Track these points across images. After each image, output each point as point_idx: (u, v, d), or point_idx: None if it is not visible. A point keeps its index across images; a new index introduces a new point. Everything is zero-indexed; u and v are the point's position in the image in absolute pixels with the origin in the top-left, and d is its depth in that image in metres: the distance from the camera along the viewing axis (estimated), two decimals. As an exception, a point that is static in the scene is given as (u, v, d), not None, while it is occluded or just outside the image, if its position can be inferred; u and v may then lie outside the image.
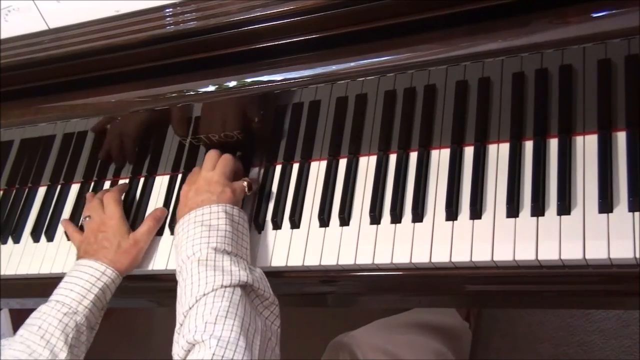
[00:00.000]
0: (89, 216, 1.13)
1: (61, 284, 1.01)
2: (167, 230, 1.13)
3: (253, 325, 0.85)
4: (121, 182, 1.22)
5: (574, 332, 1.57)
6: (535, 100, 0.91)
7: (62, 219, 1.22)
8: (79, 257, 1.08)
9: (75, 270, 1.03)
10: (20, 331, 0.96)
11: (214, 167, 1.04)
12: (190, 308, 0.87)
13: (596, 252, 0.84)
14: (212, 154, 1.07)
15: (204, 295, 0.86)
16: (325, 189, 1.05)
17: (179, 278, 0.93)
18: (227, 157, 1.06)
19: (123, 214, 1.12)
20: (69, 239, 1.20)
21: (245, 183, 1.05)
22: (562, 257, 0.86)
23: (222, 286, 0.87)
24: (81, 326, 0.98)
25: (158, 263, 1.10)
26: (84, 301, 0.99)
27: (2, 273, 1.22)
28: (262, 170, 1.12)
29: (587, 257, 0.84)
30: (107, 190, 1.18)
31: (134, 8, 0.99)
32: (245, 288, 0.89)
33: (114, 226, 1.09)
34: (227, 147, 1.10)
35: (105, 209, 1.12)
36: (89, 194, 1.19)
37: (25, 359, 0.92)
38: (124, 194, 1.19)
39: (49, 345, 0.94)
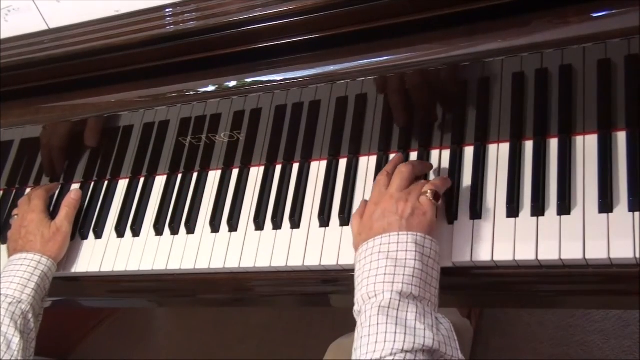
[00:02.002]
0: (16, 214, 1.17)
1: (2, 278, 1.04)
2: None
3: None
4: (121, 182, 1.22)
5: (574, 332, 1.57)
6: (535, 100, 0.91)
7: None
8: (9, 255, 1.12)
9: (10, 265, 1.06)
10: None
11: (406, 184, 0.92)
12: None
13: (596, 252, 0.84)
14: (404, 169, 0.93)
15: (380, 359, 0.76)
16: (325, 189, 1.05)
17: (357, 318, 0.83)
18: (412, 167, 0.94)
19: (45, 207, 1.15)
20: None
21: (429, 194, 0.90)
22: (562, 257, 0.86)
23: (402, 350, 0.76)
24: (27, 313, 1.01)
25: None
26: (26, 290, 1.02)
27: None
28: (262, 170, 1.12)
29: (587, 257, 0.84)
30: (36, 188, 1.22)
31: (134, 8, 0.99)
32: (429, 353, 0.78)
33: (35, 219, 1.12)
34: (228, 147, 1.10)
35: (29, 205, 1.15)
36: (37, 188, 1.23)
37: None
38: (56, 193, 1.24)
39: (1, 332, 0.96)
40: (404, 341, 0.76)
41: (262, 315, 1.79)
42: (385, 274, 0.82)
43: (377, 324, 0.78)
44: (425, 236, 0.86)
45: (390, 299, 0.80)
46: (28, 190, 1.30)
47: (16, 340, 0.96)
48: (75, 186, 1.26)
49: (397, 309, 0.79)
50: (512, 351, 1.59)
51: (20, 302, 1.01)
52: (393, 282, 0.81)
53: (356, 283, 0.86)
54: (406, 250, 0.84)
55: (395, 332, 0.77)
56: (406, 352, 0.76)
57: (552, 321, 1.59)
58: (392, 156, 1.03)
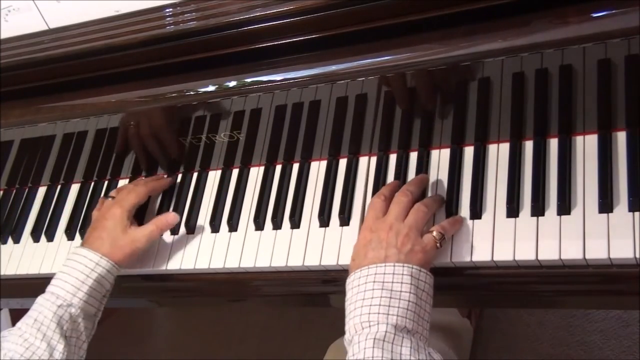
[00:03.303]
0: (113, 196, 1.11)
1: (57, 274, 1.01)
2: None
3: None
4: (121, 182, 1.22)
5: (574, 332, 1.57)
6: (535, 100, 0.91)
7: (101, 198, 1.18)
8: (84, 238, 1.07)
9: (71, 259, 1.02)
10: (19, 323, 0.97)
11: (404, 215, 0.90)
12: None
13: (596, 252, 0.84)
14: (403, 199, 0.92)
15: None
16: (325, 189, 1.05)
17: (348, 348, 0.82)
18: (422, 207, 0.91)
19: (132, 207, 1.08)
20: (68, 239, 1.20)
21: (435, 234, 0.89)
22: (562, 257, 0.86)
23: None
24: (77, 317, 0.98)
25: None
26: (79, 293, 0.98)
27: (2, 273, 1.22)
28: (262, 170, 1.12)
29: (587, 257, 0.84)
30: (147, 180, 1.15)
31: (134, 8, 0.99)
32: None
33: (117, 217, 1.06)
34: (228, 147, 1.10)
35: (125, 196, 1.09)
36: (141, 179, 1.18)
37: (23, 352, 0.93)
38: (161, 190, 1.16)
39: (46, 338, 0.94)
40: None
41: (262, 315, 1.79)
42: (380, 305, 0.81)
43: (372, 357, 0.77)
44: (421, 269, 0.85)
45: (386, 331, 0.79)
46: (28, 189, 1.31)
47: (60, 347, 0.94)
48: (75, 186, 1.26)
49: (392, 343, 0.79)
50: (512, 351, 1.59)
51: (70, 305, 0.97)
52: (388, 314, 0.81)
53: (348, 310, 0.85)
54: (401, 283, 0.83)
55: None
56: None
57: (552, 321, 1.59)
58: (392, 156, 1.04)
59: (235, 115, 1.06)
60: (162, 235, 1.10)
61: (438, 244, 0.88)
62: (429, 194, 0.98)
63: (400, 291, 0.82)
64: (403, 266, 0.84)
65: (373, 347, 0.78)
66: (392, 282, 0.83)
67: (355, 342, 0.80)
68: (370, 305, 0.82)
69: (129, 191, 1.10)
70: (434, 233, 0.89)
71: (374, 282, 0.84)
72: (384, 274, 0.84)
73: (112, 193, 1.13)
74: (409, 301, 0.82)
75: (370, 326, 0.80)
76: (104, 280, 1.01)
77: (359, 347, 0.79)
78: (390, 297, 0.82)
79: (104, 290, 1.02)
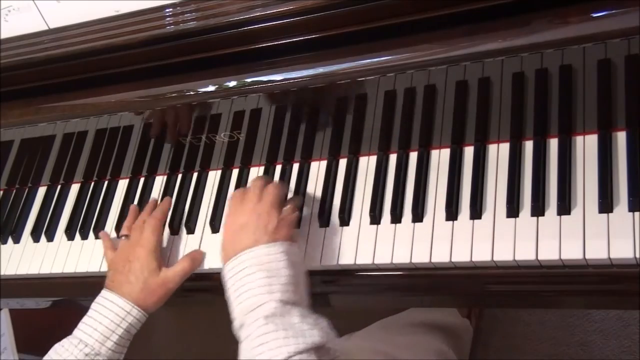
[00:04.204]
0: (126, 235, 1.07)
1: (86, 319, 0.98)
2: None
3: None
4: (121, 182, 1.22)
5: (574, 332, 1.57)
6: (535, 100, 0.91)
7: (101, 232, 1.16)
8: (107, 280, 1.03)
9: (101, 305, 0.98)
10: None
11: (261, 197, 0.95)
12: None
13: (596, 252, 0.84)
14: (258, 182, 0.98)
15: None
16: (325, 189, 1.05)
17: (240, 333, 0.85)
18: (275, 185, 0.97)
19: (158, 245, 1.04)
20: (68, 239, 1.20)
21: (290, 208, 0.96)
22: (562, 257, 0.86)
23: (296, 352, 0.79)
24: None
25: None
26: (107, 342, 0.96)
27: (2, 273, 1.22)
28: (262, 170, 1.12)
29: (587, 257, 0.84)
30: (153, 211, 1.10)
31: (134, 8, 0.99)
32: (317, 351, 0.81)
33: (143, 258, 1.01)
34: (228, 147, 1.10)
35: (142, 235, 1.04)
36: (133, 207, 1.14)
37: None
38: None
39: None
40: (297, 343, 0.79)
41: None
42: (262, 286, 0.85)
43: (266, 332, 0.81)
44: (291, 244, 0.91)
45: (274, 307, 0.83)
46: (28, 189, 1.31)
47: None
48: (75, 186, 1.26)
49: (282, 316, 0.82)
50: (512, 351, 1.59)
51: (98, 354, 0.94)
52: (271, 292, 0.84)
53: (232, 299, 0.87)
54: (277, 260, 0.87)
55: (286, 337, 0.80)
56: (300, 353, 0.79)
57: (552, 321, 1.59)
58: (392, 156, 1.04)
59: (235, 115, 1.06)
60: (193, 271, 1.05)
61: (296, 214, 0.96)
62: (432, 195, 0.98)
63: (278, 268, 0.86)
64: (275, 245, 0.89)
65: (266, 324, 0.81)
66: (269, 262, 0.87)
67: (246, 325, 0.83)
68: (253, 288, 0.85)
69: (142, 230, 1.05)
70: (289, 206, 0.96)
71: (251, 265, 0.87)
72: (259, 256, 0.88)
73: (123, 231, 1.09)
74: (287, 275, 0.86)
75: (257, 307, 0.83)
76: (132, 329, 0.98)
77: (250, 328, 0.82)
78: (270, 276, 0.85)
79: (131, 336, 0.99)
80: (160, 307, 1.02)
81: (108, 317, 0.97)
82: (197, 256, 1.05)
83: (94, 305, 0.99)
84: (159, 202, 1.15)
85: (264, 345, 0.80)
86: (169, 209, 1.13)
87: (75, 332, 0.97)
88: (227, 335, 0.89)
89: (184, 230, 1.12)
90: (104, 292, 1.00)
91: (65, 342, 0.96)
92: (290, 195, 1.06)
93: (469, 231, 0.92)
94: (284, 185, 1.02)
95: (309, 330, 0.81)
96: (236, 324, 0.86)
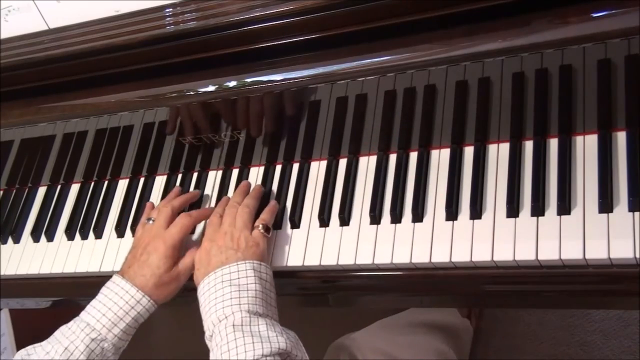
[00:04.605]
0: (152, 219, 1.06)
1: (95, 303, 0.97)
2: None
3: None
4: (121, 182, 1.22)
5: (574, 332, 1.57)
6: (535, 100, 0.91)
7: (148, 202, 1.14)
8: (124, 264, 1.02)
9: (112, 291, 0.97)
10: (47, 347, 0.94)
11: (234, 221, 1.00)
12: None
13: (596, 252, 0.84)
14: (231, 210, 1.02)
15: None
16: (325, 189, 1.05)
17: (210, 343, 0.90)
18: (244, 208, 1.02)
19: (176, 243, 1.01)
20: (68, 239, 1.20)
21: (261, 229, 0.99)
22: (562, 257, 0.86)
23: (262, 355, 0.84)
24: (107, 352, 0.95)
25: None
26: (115, 329, 0.95)
27: (2, 273, 1.22)
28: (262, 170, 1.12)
29: (587, 257, 0.84)
30: (177, 197, 1.10)
31: (134, 8, 0.99)
32: (282, 355, 0.86)
33: (161, 253, 1.00)
34: (228, 147, 1.10)
35: (169, 228, 1.03)
36: (176, 188, 1.14)
37: None
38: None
39: None
40: (262, 348, 0.84)
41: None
42: (231, 298, 0.90)
43: (235, 339, 0.86)
44: (261, 263, 0.95)
45: (242, 317, 0.88)
46: (28, 189, 1.31)
47: None
48: (75, 186, 1.26)
49: (249, 325, 0.88)
50: (512, 351, 1.59)
51: (104, 340, 0.94)
52: (240, 304, 0.90)
53: (203, 313, 0.93)
54: (246, 277, 0.92)
55: (253, 342, 0.85)
56: (265, 356, 0.84)
57: (552, 321, 1.59)
58: (392, 156, 1.04)
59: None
60: None
61: (265, 234, 1.00)
62: (432, 195, 0.98)
63: (247, 284, 0.92)
64: (245, 262, 0.94)
65: (234, 332, 0.87)
66: (239, 278, 0.92)
67: (216, 334, 0.89)
68: (223, 301, 0.90)
69: (174, 225, 1.03)
70: (259, 227, 1.00)
71: (222, 282, 0.92)
72: (230, 273, 0.93)
73: (153, 214, 1.07)
74: (255, 290, 0.92)
75: (226, 317, 0.89)
76: (141, 318, 0.98)
77: (220, 336, 0.88)
78: (239, 290, 0.91)
79: (138, 325, 0.99)
80: (166, 300, 1.01)
81: (118, 303, 0.96)
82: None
83: (104, 290, 0.98)
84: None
85: (232, 351, 0.85)
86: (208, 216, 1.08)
87: (83, 315, 0.97)
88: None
89: (184, 230, 1.12)
90: (116, 278, 0.99)
91: (72, 324, 0.96)
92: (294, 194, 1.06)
93: (469, 231, 0.92)
94: (256, 200, 1.05)
95: (275, 337, 0.87)
96: (207, 334, 0.91)
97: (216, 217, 1.03)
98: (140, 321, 0.99)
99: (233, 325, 0.88)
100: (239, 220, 1.00)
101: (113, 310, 0.96)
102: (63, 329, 0.96)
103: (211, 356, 0.88)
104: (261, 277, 0.94)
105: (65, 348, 0.93)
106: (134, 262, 1.01)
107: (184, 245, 1.04)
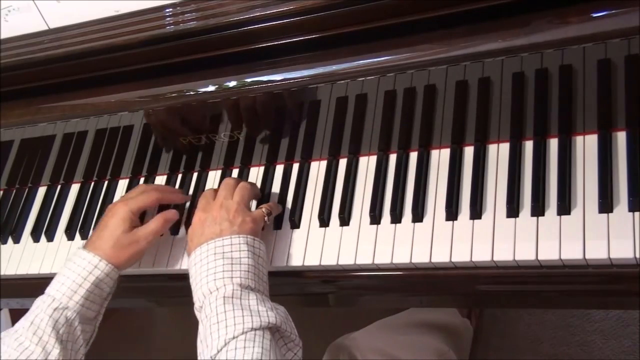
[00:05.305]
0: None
1: (57, 276, 0.99)
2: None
3: None
4: (121, 182, 1.22)
5: (574, 332, 1.57)
6: (535, 100, 0.91)
7: None
8: (90, 235, 1.05)
9: (70, 260, 0.99)
10: (17, 325, 0.96)
11: (231, 194, 0.99)
12: (218, 351, 0.83)
13: (596, 252, 0.84)
14: (229, 181, 1.02)
15: (234, 338, 0.83)
16: (325, 189, 1.05)
17: (199, 315, 0.90)
18: (245, 185, 1.02)
19: (137, 208, 1.03)
20: (68, 239, 1.20)
21: (264, 210, 1.01)
22: (562, 257, 0.86)
23: (251, 329, 0.83)
24: (73, 321, 0.95)
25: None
26: (75, 296, 0.96)
27: (2, 273, 1.22)
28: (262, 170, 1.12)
29: (587, 257, 0.84)
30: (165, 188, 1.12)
31: (134, 8, 0.99)
32: (272, 330, 0.86)
33: (119, 215, 1.01)
34: (228, 147, 1.10)
35: (135, 195, 1.05)
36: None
37: (17, 356, 0.91)
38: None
39: (41, 342, 0.92)
40: (252, 321, 0.84)
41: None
42: (223, 271, 0.89)
43: (225, 311, 0.85)
44: (255, 238, 0.95)
45: (233, 289, 0.88)
46: (28, 189, 1.31)
47: (56, 352, 0.92)
48: (75, 186, 1.26)
49: (240, 298, 0.87)
50: (512, 351, 1.59)
51: (66, 308, 0.95)
52: (232, 277, 0.89)
53: (194, 284, 0.92)
54: (239, 250, 0.92)
55: (243, 315, 0.84)
56: (255, 329, 0.83)
57: (552, 321, 1.60)
58: (392, 156, 1.04)
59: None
60: (163, 233, 1.08)
61: (266, 218, 1.00)
62: (432, 195, 0.98)
63: (240, 257, 0.91)
64: (239, 236, 0.93)
65: (224, 304, 0.86)
66: (232, 252, 0.92)
67: (206, 305, 0.88)
68: (215, 273, 0.90)
69: (140, 192, 1.06)
70: (264, 209, 1.00)
71: (215, 254, 0.92)
72: (223, 245, 0.92)
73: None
74: (248, 265, 0.91)
75: (217, 289, 0.88)
76: (102, 284, 0.98)
77: (210, 308, 0.87)
78: (232, 264, 0.90)
79: (104, 294, 0.99)
80: (132, 265, 1.03)
81: (75, 271, 0.97)
82: (170, 216, 1.06)
83: (65, 263, 1.00)
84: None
85: (221, 323, 0.84)
86: (179, 202, 1.13)
87: (47, 289, 0.98)
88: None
89: (183, 230, 1.12)
90: (77, 250, 1.01)
91: (38, 299, 0.97)
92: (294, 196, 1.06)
93: (469, 231, 0.92)
94: (255, 187, 1.06)
95: (265, 311, 0.86)
96: (197, 305, 0.91)
97: (210, 190, 1.03)
98: (105, 288, 0.99)
99: (224, 297, 0.87)
100: (238, 195, 0.99)
101: (71, 278, 0.97)
102: (32, 306, 0.97)
103: (200, 328, 0.88)
104: (254, 253, 0.93)
105: (31, 322, 0.94)
106: (96, 229, 1.03)
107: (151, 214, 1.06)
